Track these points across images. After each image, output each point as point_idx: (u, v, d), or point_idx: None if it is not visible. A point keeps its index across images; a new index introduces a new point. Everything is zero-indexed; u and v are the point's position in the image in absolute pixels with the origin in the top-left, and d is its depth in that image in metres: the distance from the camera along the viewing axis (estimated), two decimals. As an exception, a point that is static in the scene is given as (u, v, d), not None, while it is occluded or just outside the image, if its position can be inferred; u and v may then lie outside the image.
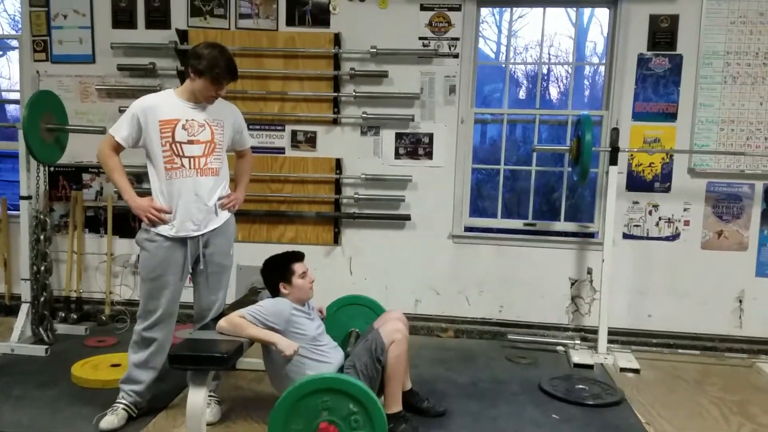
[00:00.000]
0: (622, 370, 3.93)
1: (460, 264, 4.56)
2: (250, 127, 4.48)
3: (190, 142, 2.87)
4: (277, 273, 2.94)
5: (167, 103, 2.88)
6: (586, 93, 5.79)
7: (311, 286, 2.97)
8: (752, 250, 4.36)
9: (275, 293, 2.95)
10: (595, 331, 4.20)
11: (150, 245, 2.90)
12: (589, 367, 3.99)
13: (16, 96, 4.83)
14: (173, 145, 2.84)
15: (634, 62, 4.30)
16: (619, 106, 4.34)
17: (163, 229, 2.89)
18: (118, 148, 2.90)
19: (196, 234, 2.93)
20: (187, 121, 2.87)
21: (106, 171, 2.96)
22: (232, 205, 3.09)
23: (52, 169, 4.62)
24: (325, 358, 2.85)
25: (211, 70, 2.79)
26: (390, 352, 2.79)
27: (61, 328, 4.36)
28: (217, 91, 2.87)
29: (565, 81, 5.69)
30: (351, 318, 3.46)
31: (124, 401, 2.99)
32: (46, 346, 3.96)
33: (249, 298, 3.35)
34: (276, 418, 2.43)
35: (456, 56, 4.40)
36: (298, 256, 3.00)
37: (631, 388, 3.66)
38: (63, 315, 4.55)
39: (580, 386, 3.63)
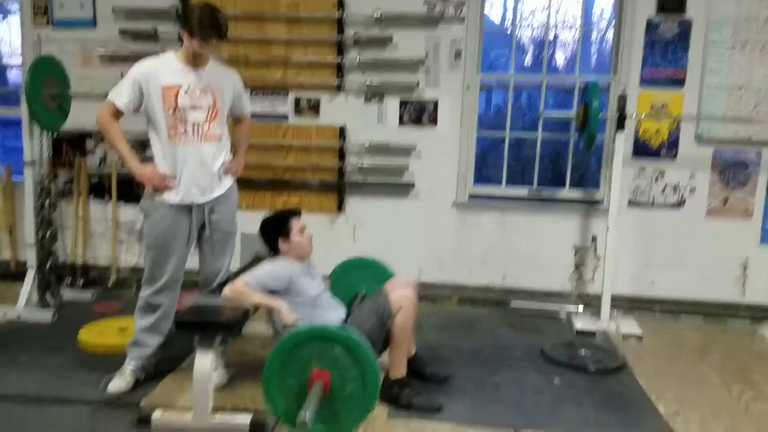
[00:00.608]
0: (625, 336, 3.96)
1: (463, 232, 4.56)
2: (253, 93, 4.48)
3: (193, 108, 2.85)
4: (276, 230, 2.96)
5: (168, 68, 2.85)
6: (594, 59, 5.70)
7: (310, 241, 2.99)
8: (757, 217, 4.34)
9: (275, 251, 2.98)
10: (598, 298, 4.21)
11: (155, 212, 2.90)
12: (592, 333, 4.01)
13: (17, 61, 4.78)
14: (176, 112, 2.82)
15: (643, 27, 4.23)
16: (627, 72, 4.28)
17: (167, 196, 2.89)
18: (118, 114, 2.87)
19: (201, 201, 2.93)
20: (189, 86, 2.84)
21: (107, 138, 2.94)
22: (235, 171, 3.09)
23: (55, 135, 4.60)
24: (326, 315, 2.88)
25: (199, 30, 2.73)
26: (397, 318, 2.80)
27: (68, 294, 4.39)
28: (201, 47, 2.79)
29: (572, 47, 5.61)
30: (359, 279, 3.45)
31: (131, 365, 3.03)
32: (53, 312, 4.00)
33: (253, 265, 3.35)
34: (272, 364, 2.45)
35: (462, 20, 4.33)
36: (296, 212, 3.03)
37: (633, 354, 3.68)
38: (69, 281, 4.58)
39: (582, 352, 3.65)
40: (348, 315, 2.98)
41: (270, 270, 2.84)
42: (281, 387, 2.45)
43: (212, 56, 2.93)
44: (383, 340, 2.84)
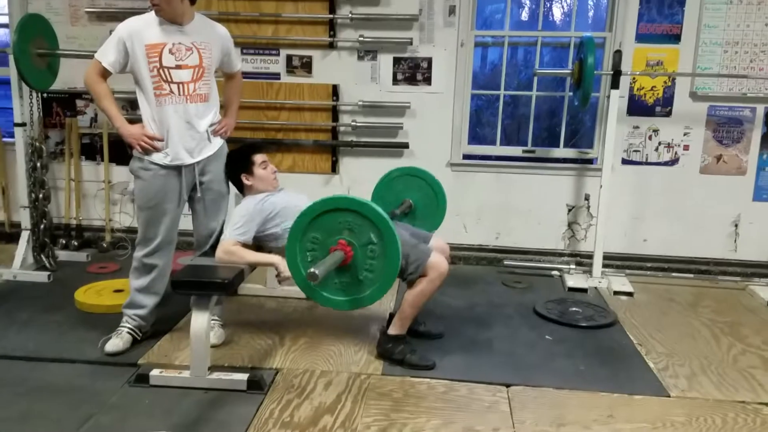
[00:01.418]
0: (616, 293, 4.01)
1: (458, 192, 4.56)
2: (244, 51, 4.43)
3: (178, 67, 2.80)
4: (238, 165, 3.03)
5: (152, 26, 2.78)
6: (590, 14, 5.61)
7: (274, 176, 3.06)
8: (751, 174, 4.36)
9: (239, 187, 3.05)
10: (590, 256, 4.25)
11: (145, 174, 2.89)
12: (584, 290, 4.06)
13: (3, 20, 4.68)
14: (161, 71, 2.77)
15: (640, -19, 4.17)
16: (623, 28, 4.23)
17: (157, 158, 2.86)
18: (105, 74, 2.82)
19: (190, 162, 2.91)
20: (173, 45, 2.78)
21: (95, 98, 2.89)
22: (224, 132, 3.07)
23: (45, 95, 4.54)
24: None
25: None
26: (421, 282, 2.81)
27: (63, 255, 4.40)
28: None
29: (569, 1, 5.52)
30: (406, 188, 3.56)
31: (128, 325, 3.05)
32: (49, 273, 4.02)
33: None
34: (302, 218, 2.47)
35: (456, -25, 4.25)
36: (258, 147, 3.09)
37: (624, 310, 3.74)
38: (63, 242, 4.59)
39: (574, 309, 3.70)
40: (392, 217, 2.98)
41: (241, 213, 2.90)
42: (304, 257, 2.48)
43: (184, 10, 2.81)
44: (401, 277, 2.84)
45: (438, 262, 2.85)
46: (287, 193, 3.11)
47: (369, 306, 2.62)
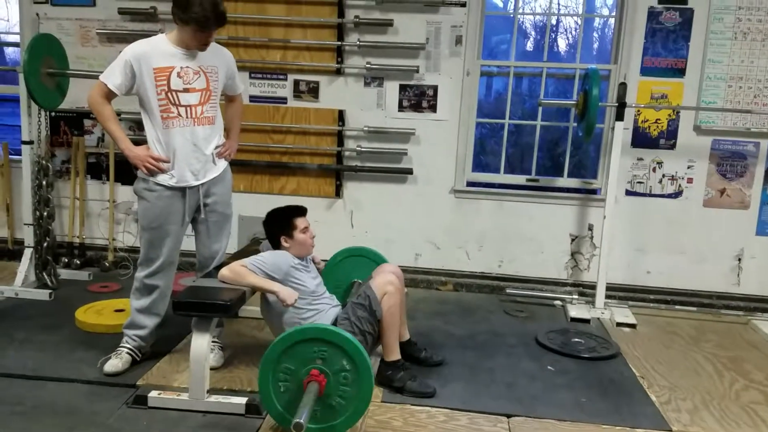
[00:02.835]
0: (619, 324, 3.98)
1: (461, 219, 4.57)
2: (252, 75, 4.48)
3: (186, 90, 2.82)
4: (279, 226, 2.98)
5: (160, 50, 2.81)
6: (595, 46, 5.68)
7: (312, 242, 3.02)
8: (754, 208, 4.36)
9: (276, 246, 3.00)
10: (593, 287, 4.24)
11: (150, 195, 2.90)
12: (586, 321, 4.04)
13: (15, 39, 4.75)
14: (169, 94, 2.80)
15: (645, 15, 4.22)
16: (628, 61, 4.27)
17: (162, 179, 2.88)
18: (110, 96, 2.83)
19: (195, 183, 2.93)
20: (182, 68, 2.81)
21: (100, 120, 2.90)
22: (228, 154, 3.08)
23: (53, 114, 4.58)
24: (323, 310, 2.91)
25: (196, 19, 2.69)
26: (383, 303, 2.83)
27: (65, 274, 4.40)
28: (207, 39, 2.80)
29: (574, 33, 5.59)
30: (353, 269, 3.49)
31: (127, 345, 3.04)
32: (50, 291, 4.00)
33: (250, 248, 3.37)
34: (272, 353, 2.45)
35: (463, 5, 4.30)
36: (301, 211, 3.03)
37: (626, 342, 3.71)
38: (66, 260, 4.59)
39: (576, 339, 3.68)
40: (343, 306, 3.00)
41: (269, 258, 2.87)
42: (276, 388, 2.46)
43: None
44: (376, 330, 2.87)
45: (381, 280, 2.89)
46: (312, 272, 3.04)
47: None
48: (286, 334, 2.48)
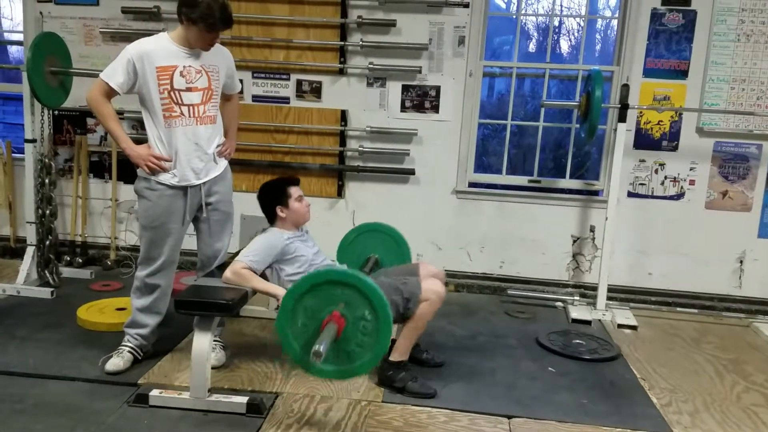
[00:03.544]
0: (620, 326, 3.98)
1: (463, 219, 4.57)
2: (254, 75, 4.48)
3: (189, 89, 2.83)
4: (274, 196, 3.02)
5: (164, 49, 2.81)
6: (598, 47, 5.67)
7: (308, 209, 3.06)
8: (756, 211, 4.35)
9: (272, 218, 3.04)
10: (594, 288, 4.24)
11: (151, 194, 2.90)
12: (587, 322, 4.04)
13: (19, 37, 4.75)
14: (172, 93, 2.80)
15: (648, 17, 4.21)
16: (631, 62, 4.27)
17: (164, 178, 2.88)
18: (111, 94, 2.82)
19: (197, 182, 2.93)
20: (184, 67, 2.81)
21: (100, 118, 2.89)
22: (228, 153, 3.09)
23: (56, 112, 4.59)
24: None
25: (204, 19, 2.70)
26: (420, 308, 2.82)
27: (67, 272, 4.41)
28: (213, 39, 2.81)
29: (576, 34, 5.58)
30: (370, 245, 3.51)
31: (129, 344, 3.04)
32: (52, 289, 4.01)
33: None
34: (298, 287, 2.46)
35: (466, 6, 4.30)
36: (294, 181, 3.08)
37: (627, 344, 3.71)
38: (68, 259, 4.60)
39: (577, 341, 3.68)
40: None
41: (262, 243, 2.91)
42: (294, 328, 2.46)
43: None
44: (399, 319, 2.86)
45: (431, 286, 2.87)
46: (309, 242, 3.08)
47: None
48: (315, 273, 2.50)
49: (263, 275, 2.93)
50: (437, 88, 4.43)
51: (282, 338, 2.48)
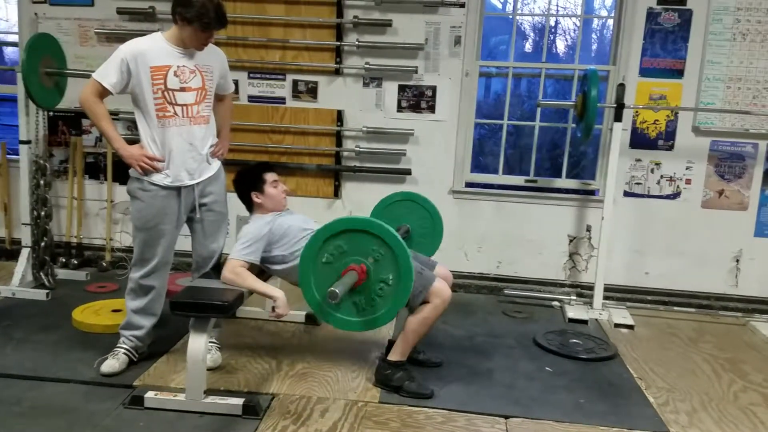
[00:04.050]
0: (617, 326, 3.98)
1: (459, 219, 4.56)
2: (250, 75, 4.47)
3: (182, 89, 2.82)
4: (249, 182, 3.04)
5: (157, 49, 2.80)
6: (594, 47, 5.68)
7: (285, 195, 3.08)
8: (752, 210, 4.36)
9: (249, 204, 3.07)
10: (591, 288, 4.23)
11: (144, 194, 2.88)
12: (584, 322, 4.04)
13: (14, 38, 4.74)
14: (165, 93, 2.79)
15: (643, 16, 4.21)
16: (627, 62, 4.27)
17: (157, 179, 2.86)
18: (103, 94, 2.80)
19: (191, 183, 2.92)
20: (178, 67, 2.80)
21: (93, 118, 2.86)
22: (221, 154, 3.09)
23: (51, 113, 4.57)
24: None
25: (200, 19, 2.69)
26: (422, 309, 2.82)
27: (62, 274, 4.39)
28: (207, 39, 2.81)
29: (572, 34, 5.59)
30: (404, 214, 3.55)
31: (125, 346, 3.03)
32: (47, 291, 4.00)
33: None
34: (332, 227, 2.47)
35: (462, 5, 4.30)
36: (268, 166, 3.10)
37: (624, 343, 3.71)
38: (63, 260, 4.58)
39: (574, 341, 3.68)
40: None
41: (249, 234, 2.92)
42: (316, 273, 2.47)
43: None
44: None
45: (441, 288, 2.85)
46: (294, 214, 3.13)
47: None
48: (358, 218, 2.53)
49: (264, 272, 2.92)
50: (433, 88, 4.42)
51: (302, 283, 2.49)
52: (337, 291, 2.20)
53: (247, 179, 3.06)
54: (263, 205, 3.03)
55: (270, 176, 3.05)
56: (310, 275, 2.51)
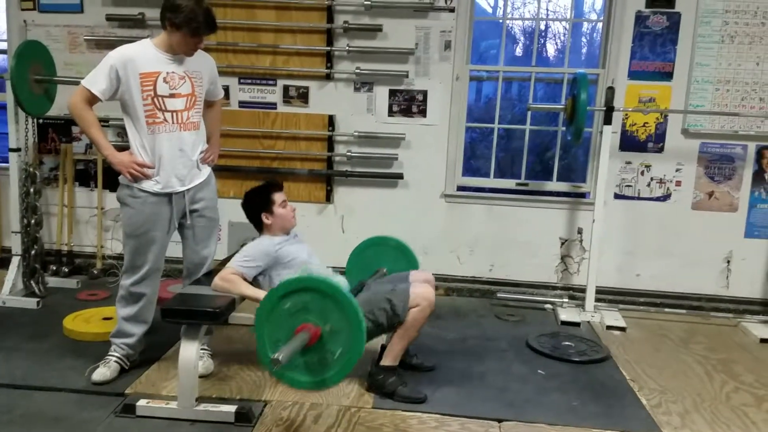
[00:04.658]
0: (609, 328, 3.99)
1: (451, 223, 4.57)
2: (241, 80, 4.47)
3: (172, 95, 2.81)
4: (258, 204, 3.01)
5: (146, 55, 2.79)
6: (584, 51, 5.71)
7: (293, 214, 3.05)
8: (742, 211, 4.38)
9: (258, 225, 3.03)
10: (583, 290, 4.24)
11: (134, 201, 2.87)
12: (576, 324, 4.04)
13: (2, 46, 4.72)
14: (155, 99, 2.78)
15: (632, 19, 4.24)
16: (616, 65, 4.29)
17: (147, 185, 2.86)
18: (92, 101, 2.79)
19: (181, 189, 2.91)
20: (168, 74, 2.80)
21: (82, 126, 2.85)
22: (211, 160, 3.08)
23: (41, 121, 4.55)
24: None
25: (188, 24, 2.69)
26: (410, 314, 2.81)
27: (53, 282, 4.37)
28: (197, 45, 2.80)
29: (562, 38, 5.61)
30: (379, 258, 3.48)
31: (116, 354, 3.01)
32: (38, 299, 3.98)
33: (240, 253, 3.36)
34: (284, 287, 2.40)
35: (452, 10, 4.31)
36: (277, 186, 3.06)
37: (616, 345, 3.72)
38: (54, 268, 4.56)
39: (567, 343, 3.68)
40: (361, 287, 3.01)
41: (254, 250, 2.90)
42: (270, 335, 2.40)
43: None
44: (389, 326, 2.86)
45: (421, 291, 2.86)
46: (302, 243, 3.08)
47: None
48: (332, 281, 2.43)
49: (256, 283, 2.91)
50: (424, 93, 4.43)
51: (257, 338, 2.42)
52: (279, 357, 2.15)
53: (255, 201, 3.02)
54: (273, 225, 3.00)
55: (279, 196, 3.01)
56: (264, 325, 2.41)
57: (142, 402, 2.67)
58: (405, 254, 3.47)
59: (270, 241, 2.95)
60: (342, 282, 2.87)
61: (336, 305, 2.36)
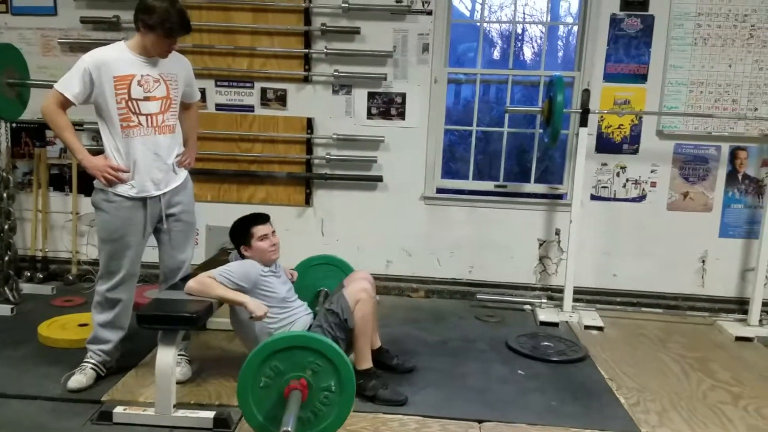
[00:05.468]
0: (587, 327, 4.02)
1: (431, 225, 4.58)
2: (218, 83, 4.44)
3: (147, 99, 2.78)
4: (238, 236, 2.98)
5: (120, 58, 2.76)
6: (560, 54, 5.76)
7: (273, 248, 2.97)
8: (716, 211, 4.44)
9: (242, 255, 2.99)
10: (561, 291, 4.28)
11: (108, 206, 2.84)
12: (555, 325, 4.07)
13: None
14: (129, 103, 2.75)
15: (607, 22, 4.28)
16: (591, 68, 4.34)
17: (122, 189, 2.82)
18: (66, 105, 2.75)
19: (156, 193, 2.88)
20: (142, 76, 2.77)
21: (56, 130, 2.81)
22: (188, 163, 3.05)
23: (14, 125, 4.49)
24: (295, 320, 2.89)
25: (162, 25, 2.67)
26: (356, 311, 2.82)
27: (27, 288, 4.30)
28: (170, 46, 2.78)
29: (538, 41, 5.66)
30: (321, 277, 3.46)
31: (92, 360, 2.97)
32: (12, 306, 3.91)
33: (219, 258, 3.34)
34: (267, 347, 2.38)
35: (430, 13, 4.33)
36: (260, 219, 2.99)
37: (594, 345, 3.75)
38: (28, 274, 4.48)
39: (546, 343, 3.71)
40: (314, 315, 2.99)
41: (237, 268, 2.84)
42: (256, 398, 2.38)
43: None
44: (347, 337, 2.85)
45: (355, 287, 2.89)
46: (282, 278, 3.03)
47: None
48: (287, 335, 2.44)
49: None
50: (403, 95, 4.44)
51: (242, 404, 2.39)
52: (289, 429, 2.14)
53: (237, 232, 2.98)
54: (251, 258, 2.95)
55: (258, 230, 2.94)
56: (249, 396, 2.38)
57: (119, 409, 2.64)
58: (337, 266, 3.46)
59: (255, 267, 2.89)
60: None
61: (303, 348, 2.36)
